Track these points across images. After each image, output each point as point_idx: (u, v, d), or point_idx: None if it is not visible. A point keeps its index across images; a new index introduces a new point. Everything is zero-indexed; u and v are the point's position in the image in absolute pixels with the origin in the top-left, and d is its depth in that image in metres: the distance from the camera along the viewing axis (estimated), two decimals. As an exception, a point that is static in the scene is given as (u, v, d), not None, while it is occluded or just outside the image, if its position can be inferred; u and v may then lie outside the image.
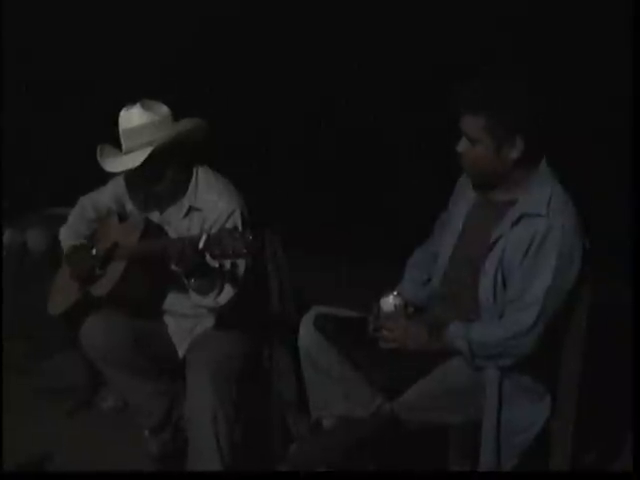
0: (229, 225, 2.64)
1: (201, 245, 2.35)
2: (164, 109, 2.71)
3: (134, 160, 2.62)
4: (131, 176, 2.77)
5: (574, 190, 2.36)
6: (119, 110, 2.71)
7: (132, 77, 4.54)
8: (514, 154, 2.30)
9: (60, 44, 4.71)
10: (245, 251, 2.30)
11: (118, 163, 2.69)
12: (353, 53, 4.40)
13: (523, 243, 2.28)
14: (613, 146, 3.57)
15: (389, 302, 2.50)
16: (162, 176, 2.70)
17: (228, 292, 2.61)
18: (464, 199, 2.51)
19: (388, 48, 4.30)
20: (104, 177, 2.94)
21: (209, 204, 2.70)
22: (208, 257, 2.42)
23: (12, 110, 4.63)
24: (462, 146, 2.35)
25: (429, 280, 2.61)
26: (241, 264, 2.58)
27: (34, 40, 4.73)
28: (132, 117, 2.66)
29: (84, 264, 2.81)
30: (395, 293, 2.53)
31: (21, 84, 4.70)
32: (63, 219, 3.02)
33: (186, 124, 2.72)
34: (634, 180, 2.66)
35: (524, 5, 3.96)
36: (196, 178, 2.75)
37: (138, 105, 2.67)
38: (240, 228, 2.60)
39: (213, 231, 2.59)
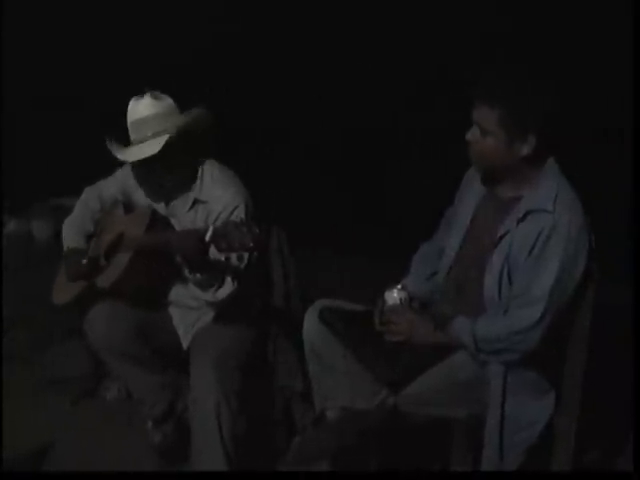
0: (234, 218, 2.63)
1: (208, 237, 2.33)
2: (169, 100, 2.72)
3: (152, 148, 2.61)
4: (139, 167, 2.77)
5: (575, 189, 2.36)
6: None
7: (132, 72, 4.53)
8: (525, 150, 2.29)
9: (62, 41, 4.71)
10: (252, 245, 2.28)
11: (134, 152, 2.68)
12: (362, 53, 4.39)
13: (529, 239, 2.27)
14: (613, 146, 3.57)
15: (394, 295, 2.51)
16: (169, 168, 2.69)
17: (227, 288, 2.60)
18: (471, 194, 2.50)
19: (396, 48, 4.29)
20: (107, 168, 2.95)
21: (214, 197, 2.70)
22: (213, 251, 2.41)
23: (14, 104, 4.65)
24: (472, 135, 2.33)
25: (434, 274, 2.61)
26: (245, 258, 2.57)
27: (36, 36, 4.73)
28: (143, 107, 2.67)
29: (78, 270, 2.80)
30: (399, 287, 2.54)
31: (23, 80, 4.70)
32: (68, 209, 3.02)
33: (198, 112, 2.72)
34: (634, 180, 2.66)
35: (531, 6, 3.96)
36: (202, 171, 2.75)
37: (148, 95, 2.68)
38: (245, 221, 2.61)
39: (218, 224, 2.60)
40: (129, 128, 2.71)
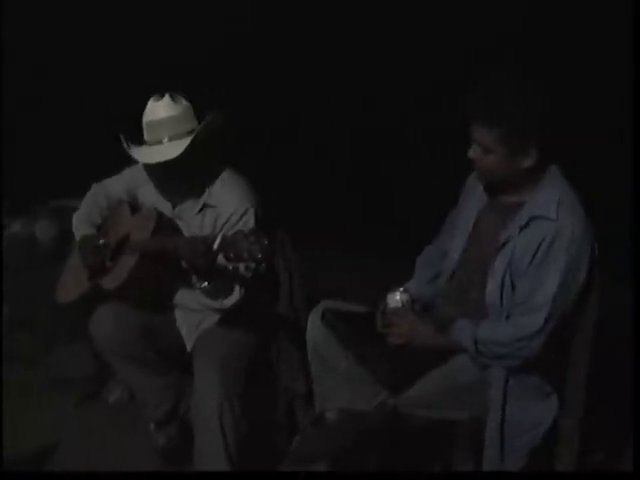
0: (242, 223, 2.65)
1: (216, 246, 2.33)
2: (185, 102, 2.72)
3: (174, 150, 2.61)
4: (150, 167, 2.78)
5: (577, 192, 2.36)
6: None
7: (135, 73, 4.53)
8: (527, 163, 2.29)
9: (62, 41, 4.70)
10: (260, 256, 2.26)
11: (152, 154, 2.65)
12: (370, 54, 4.40)
13: (532, 246, 2.27)
14: (613, 146, 3.58)
15: (396, 298, 2.52)
16: (183, 170, 2.68)
17: (235, 296, 2.60)
18: (474, 198, 2.50)
19: (404, 48, 4.29)
20: (110, 169, 2.96)
21: (223, 201, 2.70)
22: (221, 259, 2.39)
23: (16, 105, 4.65)
24: (473, 153, 2.33)
25: (437, 277, 2.61)
26: (253, 269, 2.56)
27: (36, 36, 4.73)
28: (162, 108, 2.66)
29: (95, 254, 2.80)
30: (402, 289, 2.54)
31: (23, 80, 4.71)
32: (72, 211, 3.00)
33: (216, 116, 2.71)
34: (635, 180, 2.66)
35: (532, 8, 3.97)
36: (212, 174, 2.75)
37: (167, 97, 2.67)
38: (253, 227, 2.60)
39: (226, 228, 2.61)
40: (146, 128, 2.69)
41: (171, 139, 2.64)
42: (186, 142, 2.61)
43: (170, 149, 2.62)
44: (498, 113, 2.25)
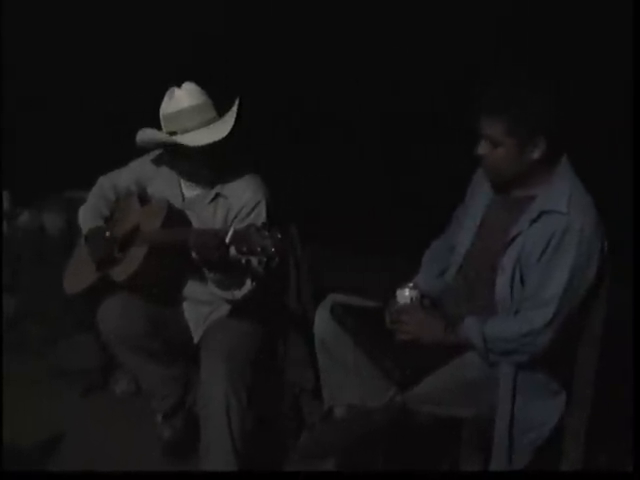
0: (254, 215, 2.66)
1: (228, 239, 2.33)
2: None
3: (223, 130, 2.64)
4: (160, 158, 2.79)
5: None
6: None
7: (139, 70, 4.53)
8: (536, 154, 2.29)
9: (70, 30, 4.72)
10: (273, 250, 2.26)
11: (197, 137, 2.65)
12: (374, 55, 4.40)
13: (542, 240, 2.27)
14: (613, 146, 3.57)
15: (405, 294, 2.52)
16: (194, 160, 2.69)
17: (247, 287, 2.60)
18: (482, 192, 2.50)
19: (432, 32, 4.27)
20: (117, 161, 2.96)
21: (237, 193, 2.71)
22: (233, 252, 2.38)
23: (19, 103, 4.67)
24: (482, 149, 2.34)
25: (445, 272, 2.60)
26: (265, 263, 2.55)
27: (45, 27, 4.74)
28: (190, 96, 2.67)
29: (102, 247, 2.80)
30: (411, 285, 2.54)
31: (26, 76, 4.71)
32: (80, 202, 3.01)
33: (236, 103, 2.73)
34: (635, 180, 2.65)
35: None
36: (228, 165, 2.75)
37: (190, 85, 2.69)
38: (264, 220, 2.62)
39: (237, 220, 2.62)
40: (175, 117, 2.67)
41: (209, 122, 2.66)
42: (230, 119, 2.64)
43: (217, 129, 2.64)
44: (505, 102, 2.27)
